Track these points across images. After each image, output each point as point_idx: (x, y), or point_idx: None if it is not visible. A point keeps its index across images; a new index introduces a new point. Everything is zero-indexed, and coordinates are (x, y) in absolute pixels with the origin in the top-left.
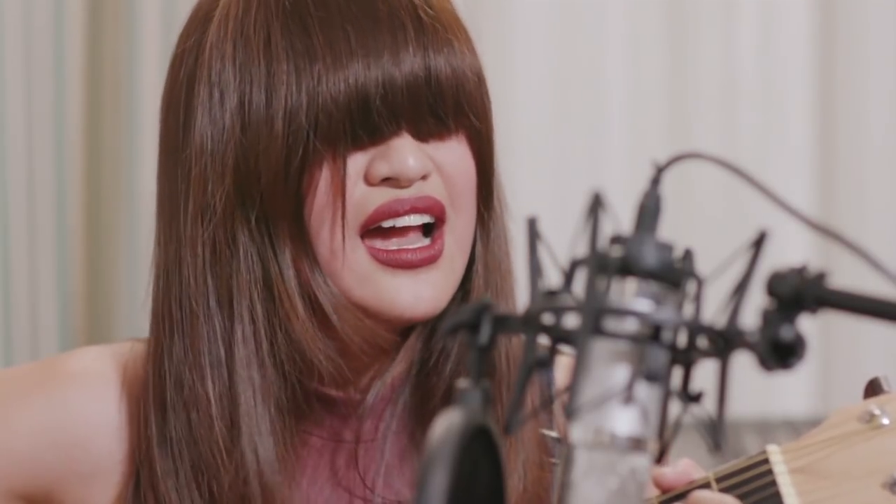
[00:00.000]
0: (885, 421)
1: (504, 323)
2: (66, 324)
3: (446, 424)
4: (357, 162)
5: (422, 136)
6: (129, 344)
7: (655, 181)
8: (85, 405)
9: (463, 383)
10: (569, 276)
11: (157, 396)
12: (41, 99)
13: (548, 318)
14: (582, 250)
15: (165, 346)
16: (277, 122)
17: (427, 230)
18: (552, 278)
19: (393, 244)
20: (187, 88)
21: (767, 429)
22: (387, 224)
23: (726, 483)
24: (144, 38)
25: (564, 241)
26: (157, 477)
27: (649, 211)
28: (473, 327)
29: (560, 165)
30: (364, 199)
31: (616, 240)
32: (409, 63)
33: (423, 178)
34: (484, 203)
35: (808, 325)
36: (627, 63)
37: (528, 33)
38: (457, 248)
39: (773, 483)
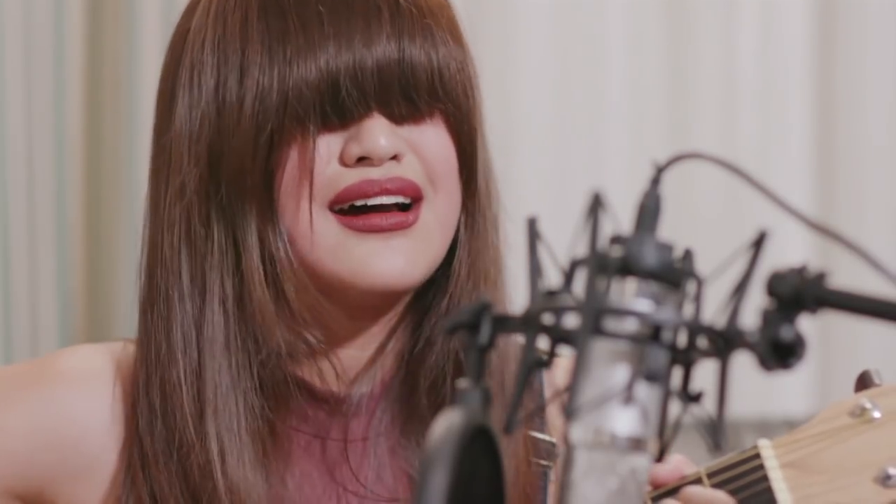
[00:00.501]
0: (877, 414)
1: (504, 323)
2: (66, 323)
3: (446, 424)
4: (331, 143)
5: (395, 118)
6: (122, 343)
7: (655, 181)
8: (76, 404)
9: (463, 383)
10: (569, 276)
11: (143, 377)
12: (41, 99)
13: (548, 318)
14: (582, 250)
15: (148, 328)
16: (248, 100)
17: (404, 210)
18: (552, 278)
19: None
20: (172, 73)
21: (767, 429)
22: (359, 203)
23: (718, 478)
24: (144, 38)
25: (564, 241)
26: (146, 459)
27: (649, 211)
28: (473, 327)
29: (560, 165)
30: (336, 177)
31: (616, 240)
32: (382, 48)
33: (396, 158)
34: (465, 187)
35: (808, 324)
36: (627, 64)
37: (529, 33)
38: (436, 224)
39: (765, 478)
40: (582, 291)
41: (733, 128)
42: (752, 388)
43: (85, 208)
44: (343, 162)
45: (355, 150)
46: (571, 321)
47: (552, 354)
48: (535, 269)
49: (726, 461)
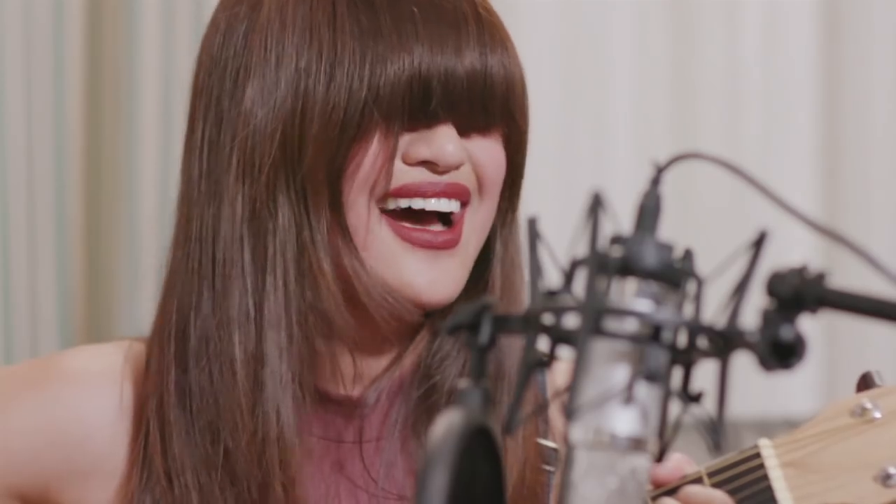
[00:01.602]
0: (877, 415)
1: (504, 323)
2: (65, 322)
3: (446, 424)
4: (401, 142)
5: (464, 129)
6: (128, 343)
7: (655, 181)
8: (82, 404)
9: (463, 383)
10: (569, 276)
11: (178, 351)
12: (41, 99)
13: (548, 319)
14: (582, 250)
15: (194, 301)
16: (336, 92)
17: (445, 222)
18: (552, 278)
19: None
20: (242, 44)
21: (770, 429)
22: (416, 206)
23: (718, 478)
24: (144, 38)
25: (565, 241)
26: (169, 435)
27: (649, 211)
28: (473, 327)
29: (564, 165)
30: (399, 174)
31: (616, 240)
32: (470, 58)
33: (457, 167)
34: (509, 202)
35: (812, 325)
36: (632, 64)
37: (534, 33)
38: (473, 235)
39: (765, 477)
40: (582, 291)
41: (737, 128)
42: (755, 389)
43: (85, 208)
44: (405, 161)
45: (423, 152)
46: (571, 321)
47: (552, 354)
48: (536, 269)
49: (726, 460)
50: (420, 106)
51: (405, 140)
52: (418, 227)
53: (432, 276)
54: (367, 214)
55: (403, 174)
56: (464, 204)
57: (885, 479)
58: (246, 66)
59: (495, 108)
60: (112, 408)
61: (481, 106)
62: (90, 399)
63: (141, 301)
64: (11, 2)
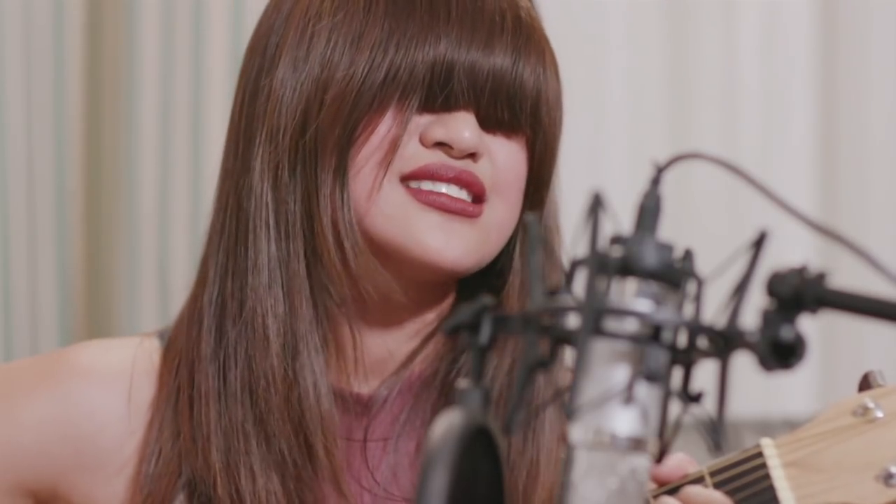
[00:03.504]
0: (879, 414)
1: (504, 323)
2: (65, 322)
3: (446, 424)
4: (418, 121)
5: (488, 124)
6: (138, 338)
7: (655, 181)
8: (91, 399)
9: (463, 383)
10: (569, 277)
11: (216, 316)
12: (41, 99)
13: (548, 319)
14: (582, 250)
15: (230, 265)
16: (359, 64)
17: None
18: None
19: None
20: (283, 24)
21: (771, 429)
22: (426, 186)
23: (720, 477)
24: (144, 38)
25: (564, 241)
26: (198, 399)
27: (649, 211)
28: (473, 327)
29: (563, 165)
30: (415, 154)
31: (616, 240)
32: (500, 55)
33: (473, 157)
34: (531, 206)
35: (812, 325)
36: (628, 63)
37: None
38: (494, 229)
39: (767, 476)
40: (582, 291)
41: (735, 127)
42: (755, 389)
43: (85, 209)
44: (422, 142)
45: (439, 134)
46: (572, 321)
47: (553, 354)
48: (536, 269)
49: (728, 460)
50: (441, 89)
51: (424, 121)
52: (435, 190)
53: (446, 238)
54: (378, 183)
55: (421, 156)
56: (478, 199)
57: (887, 478)
58: (282, 42)
59: (523, 110)
60: (122, 403)
61: (507, 104)
62: (100, 394)
63: (141, 301)
64: (11, 2)
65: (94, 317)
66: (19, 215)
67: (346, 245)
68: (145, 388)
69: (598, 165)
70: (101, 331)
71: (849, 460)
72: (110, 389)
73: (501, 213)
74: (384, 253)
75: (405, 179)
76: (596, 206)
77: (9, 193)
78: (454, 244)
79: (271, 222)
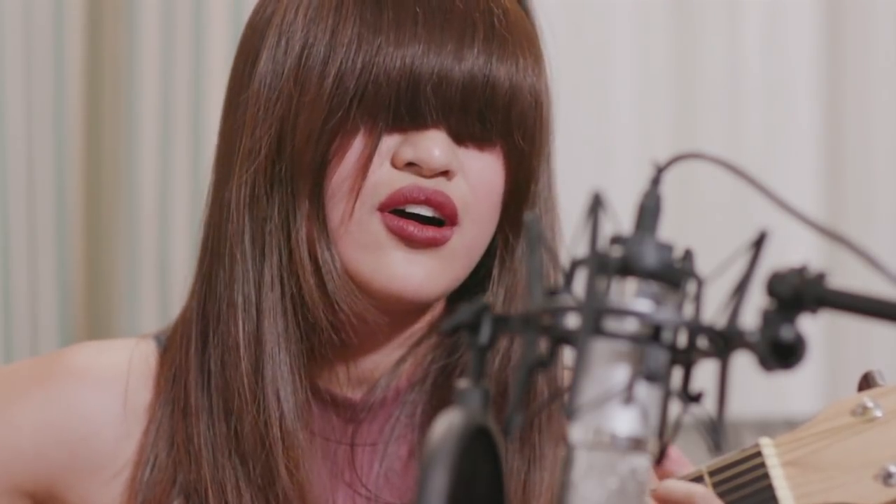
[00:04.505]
0: (879, 414)
1: (504, 323)
2: (65, 322)
3: (446, 424)
4: (389, 142)
5: (460, 137)
6: (134, 340)
7: (655, 181)
8: (88, 401)
9: (463, 383)
10: (569, 277)
11: (199, 331)
12: (41, 99)
13: (548, 319)
14: (582, 250)
15: (211, 281)
16: (327, 80)
17: (439, 226)
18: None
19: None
20: (260, 33)
21: (772, 430)
22: (400, 209)
23: (719, 476)
24: (144, 38)
25: (565, 241)
26: (190, 414)
27: (649, 211)
28: (473, 327)
29: (564, 165)
30: (387, 178)
31: (616, 240)
32: (471, 62)
33: (447, 175)
34: (510, 225)
35: (814, 325)
36: (632, 63)
37: None
38: (462, 250)
39: (766, 476)
40: (582, 291)
41: (739, 127)
42: (755, 389)
43: (85, 208)
44: (393, 164)
45: (408, 154)
46: (572, 321)
47: (553, 354)
48: (536, 270)
49: (727, 459)
50: (409, 106)
51: (394, 141)
52: (404, 217)
53: (408, 269)
54: (350, 210)
55: (393, 179)
56: (450, 221)
57: (886, 478)
58: (261, 47)
59: (493, 119)
60: (118, 405)
61: (477, 114)
62: (96, 396)
63: (141, 301)
64: (11, 2)
65: (94, 317)
66: (19, 215)
67: (324, 271)
68: (141, 391)
69: (598, 165)
70: (101, 331)
71: (848, 460)
72: (106, 392)
73: (471, 237)
74: (356, 280)
75: (383, 207)
76: (596, 206)
77: (9, 194)
78: (417, 275)
79: (247, 240)
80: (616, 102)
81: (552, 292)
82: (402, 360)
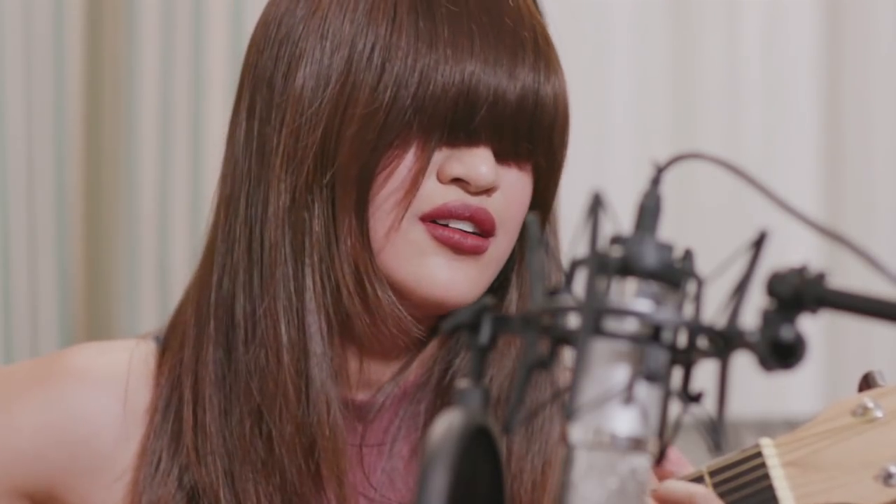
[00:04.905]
0: (879, 414)
1: (504, 323)
2: (65, 322)
3: (446, 424)
4: (436, 157)
5: (502, 155)
6: (134, 341)
7: (655, 181)
8: (87, 402)
9: (463, 383)
10: (569, 277)
11: (221, 329)
12: (41, 99)
13: (548, 319)
14: (582, 250)
15: (242, 281)
16: (383, 93)
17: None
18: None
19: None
20: (293, 33)
21: (772, 430)
22: (441, 222)
23: (719, 477)
24: (144, 38)
25: (565, 241)
26: (203, 413)
27: (649, 211)
28: (473, 327)
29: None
30: (433, 192)
31: (616, 240)
32: (523, 80)
33: (489, 192)
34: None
35: (815, 325)
36: (631, 62)
37: None
38: (496, 261)
39: (766, 476)
40: (582, 291)
41: (739, 128)
42: (755, 389)
43: (85, 208)
44: (439, 178)
45: (457, 170)
46: (572, 321)
47: (553, 354)
48: (536, 270)
49: (728, 460)
50: (463, 124)
51: (442, 156)
52: (449, 226)
53: (452, 276)
54: (397, 222)
55: (438, 193)
56: (486, 234)
57: (887, 478)
58: (302, 49)
59: (539, 138)
60: (118, 406)
61: (526, 132)
62: (96, 397)
63: (141, 301)
64: (11, 2)
65: (94, 317)
66: (19, 215)
67: (366, 282)
68: (141, 392)
69: (598, 165)
70: (101, 331)
71: (848, 460)
72: (105, 392)
73: (504, 247)
74: (396, 289)
75: (424, 219)
76: (596, 206)
77: (9, 193)
78: (462, 283)
79: (287, 245)
80: (615, 102)
81: (552, 292)
82: (407, 364)
